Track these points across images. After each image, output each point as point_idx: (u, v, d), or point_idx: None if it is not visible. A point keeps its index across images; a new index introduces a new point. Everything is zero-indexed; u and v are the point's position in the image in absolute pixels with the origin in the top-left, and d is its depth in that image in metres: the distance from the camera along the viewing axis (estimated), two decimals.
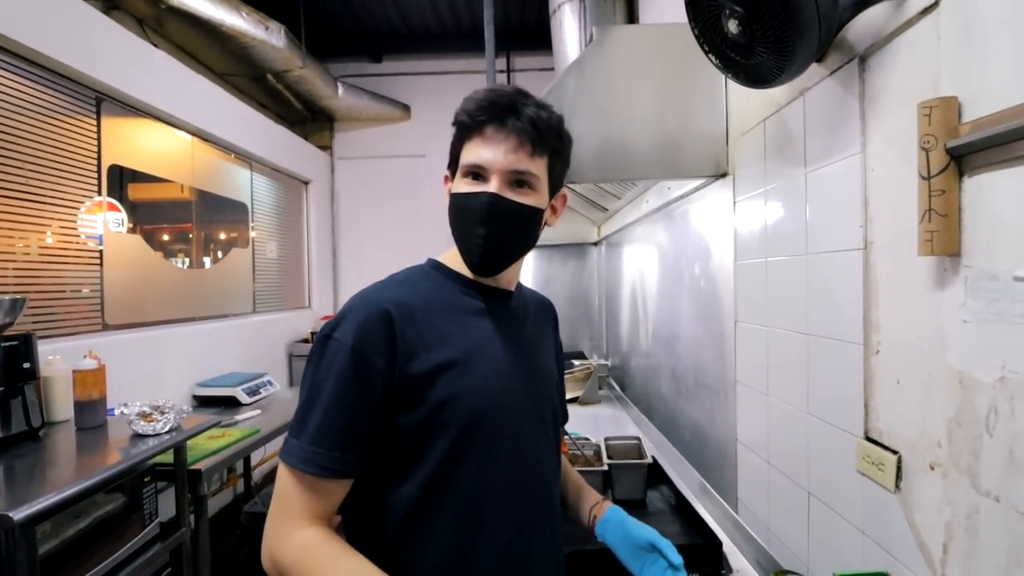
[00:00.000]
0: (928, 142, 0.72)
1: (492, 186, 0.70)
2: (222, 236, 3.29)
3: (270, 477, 3.24)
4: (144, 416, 1.55)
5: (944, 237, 0.72)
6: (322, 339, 0.68)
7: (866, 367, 0.89)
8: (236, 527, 2.42)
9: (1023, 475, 0.62)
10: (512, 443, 0.73)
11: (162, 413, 1.56)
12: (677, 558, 0.77)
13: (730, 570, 1.09)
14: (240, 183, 3.40)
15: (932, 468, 0.76)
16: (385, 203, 4.54)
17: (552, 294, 3.86)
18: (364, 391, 0.66)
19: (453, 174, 0.76)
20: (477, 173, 0.71)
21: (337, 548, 0.64)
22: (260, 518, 2.24)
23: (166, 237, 2.85)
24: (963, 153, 0.69)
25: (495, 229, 0.71)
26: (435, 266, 0.80)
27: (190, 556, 1.69)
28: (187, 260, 2.91)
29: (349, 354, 0.66)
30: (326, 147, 4.53)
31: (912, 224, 0.76)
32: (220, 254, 3.21)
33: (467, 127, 0.72)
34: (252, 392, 2.55)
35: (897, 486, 0.82)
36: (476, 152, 0.70)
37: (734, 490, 1.39)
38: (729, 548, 1.15)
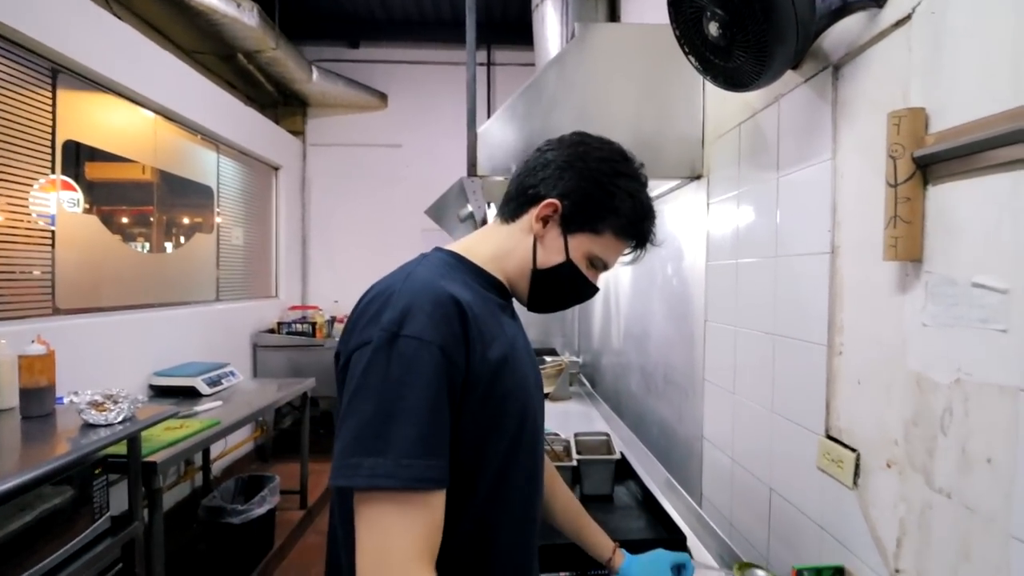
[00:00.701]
0: (896, 151, 0.75)
1: (599, 282, 0.78)
2: (185, 220, 3.17)
3: (231, 471, 3.15)
4: (96, 405, 1.48)
5: (908, 243, 0.74)
6: (389, 338, 0.58)
7: (829, 367, 0.92)
8: (194, 521, 2.33)
9: (974, 473, 0.65)
10: (540, 438, 0.76)
11: (115, 402, 1.49)
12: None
13: (690, 556, 1.11)
14: (206, 165, 3.27)
15: (889, 466, 0.79)
16: (359, 193, 4.46)
17: None
18: (450, 392, 0.60)
19: (575, 228, 0.73)
20: (599, 265, 0.76)
21: None
22: (218, 512, 2.18)
23: (125, 220, 2.72)
24: (929, 163, 0.72)
25: (573, 305, 0.80)
26: (458, 259, 0.74)
27: (143, 551, 1.63)
28: (147, 244, 2.79)
29: (437, 354, 0.58)
30: (298, 133, 4.41)
31: (878, 230, 0.78)
32: (183, 239, 3.09)
33: (631, 236, 0.75)
34: (213, 383, 2.47)
35: (855, 483, 0.85)
36: (615, 255, 0.76)
37: (699, 486, 1.42)
38: (692, 542, 1.18)
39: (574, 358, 3.00)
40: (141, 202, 2.79)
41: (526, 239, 0.74)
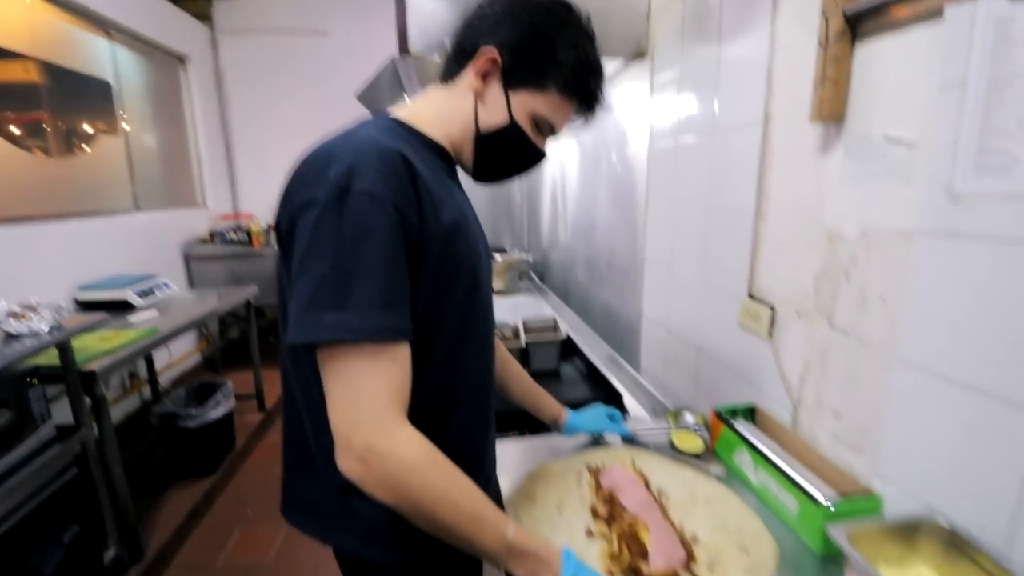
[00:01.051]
0: (828, 8, 0.75)
1: (546, 147, 0.74)
2: (85, 124, 2.80)
3: (180, 383, 3.11)
4: (16, 315, 1.38)
5: (833, 103, 0.77)
6: (338, 194, 0.54)
7: (755, 233, 0.98)
8: (148, 431, 2.34)
9: (869, 311, 0.74)
10: (491, 305, 0.76)
11: (36, 312, 1.40)
12: (626, 431, 1.03)
13: (627, 414, 1.24)
14: (98, 56, 2.85)
15: (798, 315, 0.89)
16: (284, 89, 4.04)
17: (473, 193, 3.80)
18: (407, 250, 0.57)
19: (517, 84, 0.68)
20: (545, 128, 0.72)
21: (448, 460, 0.58)
22: (172, 418, 2.18)
23: (16, 130, 2.36)
24: (858, 18, 0.73)
25: (520, 173, 0.76)
26: (401, 125, 0.69)
27: (96, 458, 1.63)
28: (43, 151, 2.47)
29: (391, 210, 0.55)
30: (204, 17, 3.86)
31: (808, 94, 0.80)
32: (85, 146, 2.76)
33: (576, 93, 0.70)
34: (145, 293, 2.35)
35: (770, 334, 0.95)
36: (562, 117, 0.72)
37: (638, 358, 1.55)
38: (629, 401, 1.30)
39: (523, 255, 3.05)
40: (29, 107, 2.42)
41: (467, 99, 0.69)
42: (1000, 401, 0.57)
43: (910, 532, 0.63)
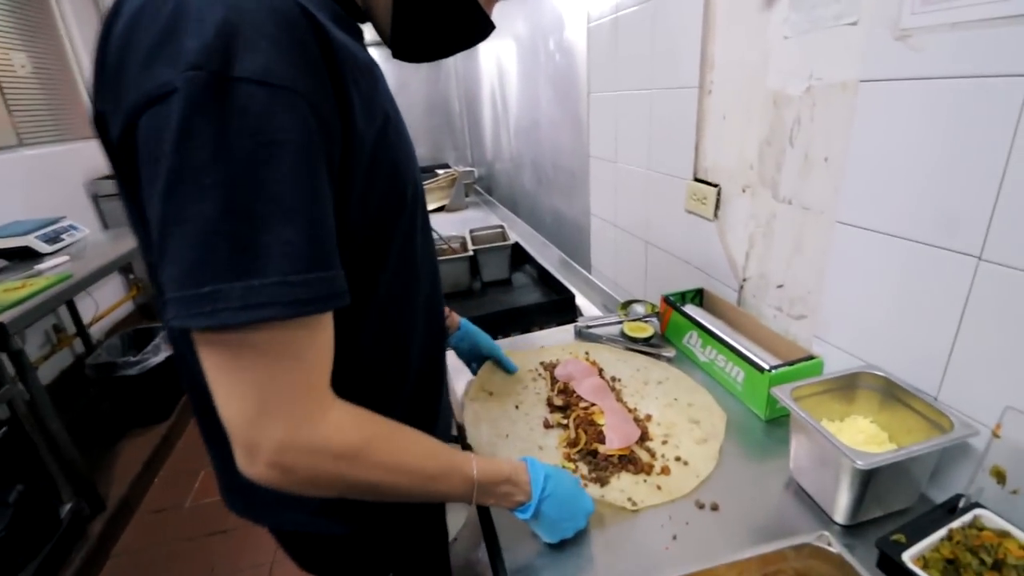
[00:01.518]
0: None
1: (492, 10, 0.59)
2: None
3: (112, 332, 2.93)
4: None
5: None
6: (211, 84, 0.34)
7: (699, 110, 0.93)
8: (87, 384, 2.21)
9: (812, 175, 0.72)
10: (428, 220, 0.62)
11: None
12: (512, 366, 0.91)
13: (580, 314, 1.24)
14: None
15: (743, 191, 0.86)
16: None
17: (408, 104, 3.54)
18: (328, 168, 0.40)
19: None
20: None
21: (397, 423, 0.48)
22: (108, 368, 2.06)
23: None
24: None
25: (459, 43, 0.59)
26: None
27: (28, 415, 1.52)
28: None
29: (302, 107, 0.37)
30: None
31: None
32: None
33: None
34: (51, 239, 2.11)
35: (715, 215, 0.93)
36: None
37: (588, 258, 1.53)
38: (581, 301, 1.30)
39: (468, 169, 2.91)
40: None
41: None
42: (938, 248, 0.56)
43: (849, 387, 0.65)
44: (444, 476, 0.49)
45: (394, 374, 0.56)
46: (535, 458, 0.58)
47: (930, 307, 0.58)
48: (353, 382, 0.47)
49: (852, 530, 0.57)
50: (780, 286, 0.82)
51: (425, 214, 0.59)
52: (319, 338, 0.41)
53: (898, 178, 0.60)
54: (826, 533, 0.47)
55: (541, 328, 1.12)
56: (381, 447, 0.44)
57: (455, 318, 0.90)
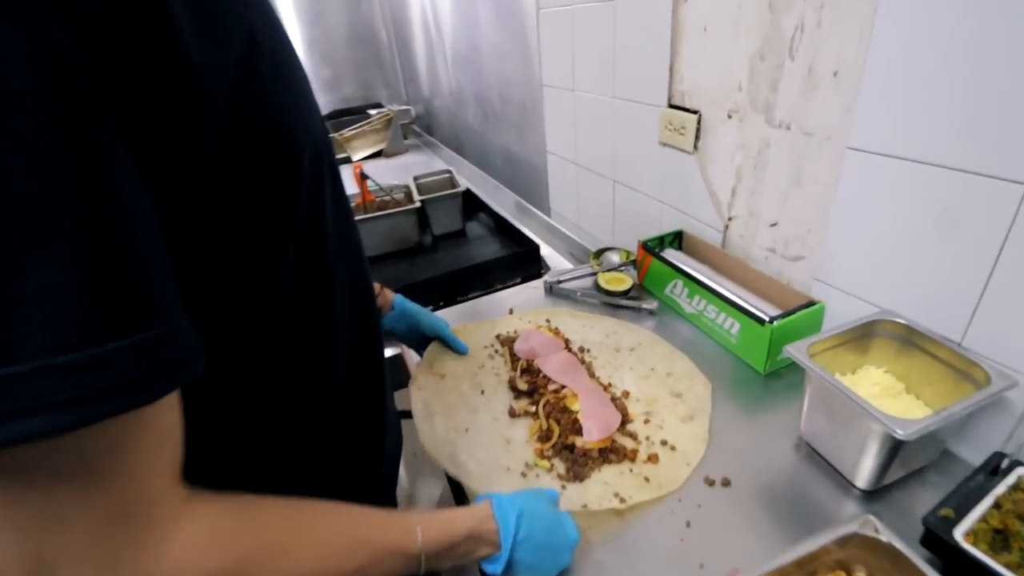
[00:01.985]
0: None
1: None
2: None
3: None
4: None
5: None
6: None
7: (675, 21, 0.79)
8: None
9: (818, 94, 0.61)
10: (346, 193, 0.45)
11: None
12: (463, 346, 0.78)
13: (547, 268, 1.13)
14: None
15: (730, 116, 0.75)
16: None
17: (327, 36, 3.14)
18: (126, 133, 0.24)
19: None
20: None
21: (296, 505, 0.35)
22: None
23: None
24: None
25: None
26: None
27: None
28: None
29: (50, 48, 0.21)
30: None
31: None
32: None
33: None
34: None
35: (695, 146, 0.82)
36: None
37: (547, 201, 1.40)
38: (546, 250, 1.19)
39: (404, 107, 2.65)
40: None
41: None
42: (975, 174, 0.48)
43: (865, 337, 0.59)
44: (375, 564, 0.37)
45: (315, 390, 0.41)
46: (500, 493, 0.47)
47: (961, 243, 0.51)
48: (257, 417, 0.35)
49: (874, 495, 0.52)
50: (774, 224, 0.73)
51: (337, 185, 0.42)
52: (148, 433, 0.26)
53: (928, 94, 0.50)
54: (871, 518, 0.41)
55: (505, 285, 1.01)
56: (265, 563, 0.31)
57: (387, 295, 0.76)
